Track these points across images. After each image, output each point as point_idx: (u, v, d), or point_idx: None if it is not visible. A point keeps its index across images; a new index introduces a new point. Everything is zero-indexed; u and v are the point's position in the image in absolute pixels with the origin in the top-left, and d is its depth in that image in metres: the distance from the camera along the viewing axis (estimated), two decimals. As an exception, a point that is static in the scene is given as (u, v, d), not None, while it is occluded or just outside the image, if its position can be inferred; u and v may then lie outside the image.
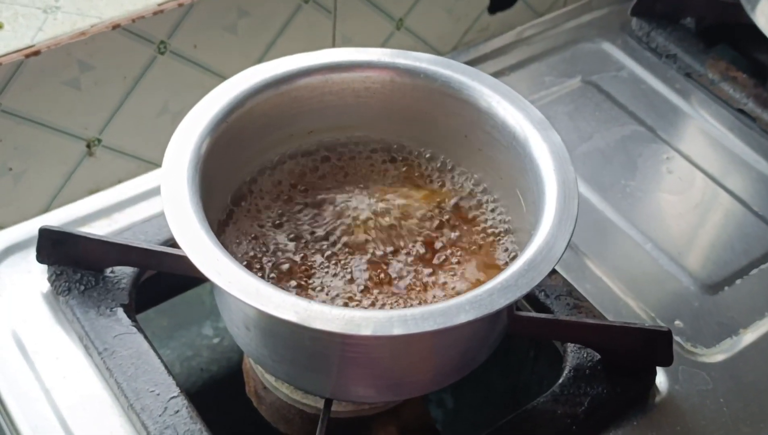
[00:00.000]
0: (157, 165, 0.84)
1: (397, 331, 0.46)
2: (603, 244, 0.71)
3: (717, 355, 0.65)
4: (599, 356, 0.61)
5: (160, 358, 0.59)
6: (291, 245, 0.58)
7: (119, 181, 0.85)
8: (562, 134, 0.79)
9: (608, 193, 0.74)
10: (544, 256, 0.50)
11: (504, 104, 0.58)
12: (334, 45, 0.93)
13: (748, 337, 0.66)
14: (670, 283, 0.69)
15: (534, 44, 0.88)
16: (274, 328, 0.51)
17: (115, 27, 0.76)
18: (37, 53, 0.73)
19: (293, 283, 0.55)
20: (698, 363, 0.64)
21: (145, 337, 0.60)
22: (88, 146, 0.81)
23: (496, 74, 0.84)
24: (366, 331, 0.46)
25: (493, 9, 0.95)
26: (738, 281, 0.70)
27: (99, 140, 0.81)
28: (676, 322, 0.66)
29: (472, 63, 0.85)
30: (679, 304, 0.68)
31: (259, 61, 0.88)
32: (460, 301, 0.48)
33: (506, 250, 0.58)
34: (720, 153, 0.79)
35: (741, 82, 0.83)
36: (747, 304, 0.68)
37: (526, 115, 0.58)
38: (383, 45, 0.97)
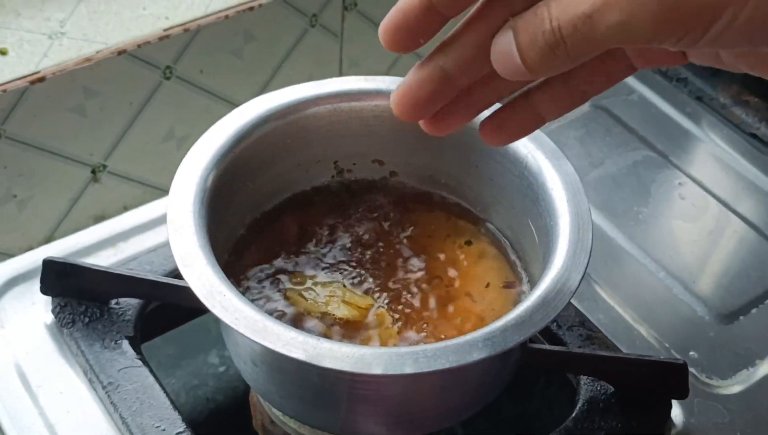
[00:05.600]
0: (163, 190, 0.84)
1: (408, 369, 0.45)
2: (616, 273, 0.70)
3: (733, 386, 0.64)
4: (613, 389, 0.60)
5: (165, 391, 0.58)
6: (299, 277, 0.57)
7: (125, 207, 0.84)
8: (573, 160, 0.78)
9: (621, 220, 0.74)
10: (559, 290, 0.49)
11: (515, 133, 0.57)
12: (341, 68, 0.93)
13: (765, 367, 0.65)
14: (685, 313, 0.68)
15: (543, 68, 0.87)
16: (282, 365, 0.50)
17: (121, 53, 0.76)
18: (42, 79, 0.73)
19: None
20: (714, 395, 0.63)
21: (151, 370, 0.59)
22: (94, 172, 0.80)
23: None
24: (377, 370, 0.45)
25: (501, 31, 0.95)
26: (754, 310, 0.68)
27: (104, 166, 0.81)
28: (691, 353, 0.65)
29: (480, 87, 0.85)
30: (694, 334, 0.67)
31: (266, 85, 0.87)
32: (474, 338, 0.46)
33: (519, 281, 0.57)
34: (733, 178, 0.78)
35: (753, 106, 0.82)
36: (763, 333, 0.67)
37: (538, 145, 0.57)
38: (390, 68, 0.97)
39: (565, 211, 0.53)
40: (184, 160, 0.54)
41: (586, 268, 0.50)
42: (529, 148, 0.56)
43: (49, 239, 0.81)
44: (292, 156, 0.60)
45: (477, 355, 0.46)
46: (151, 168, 0.85)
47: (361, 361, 0.45)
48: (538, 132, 0.57)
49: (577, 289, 0.49)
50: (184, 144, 0.85)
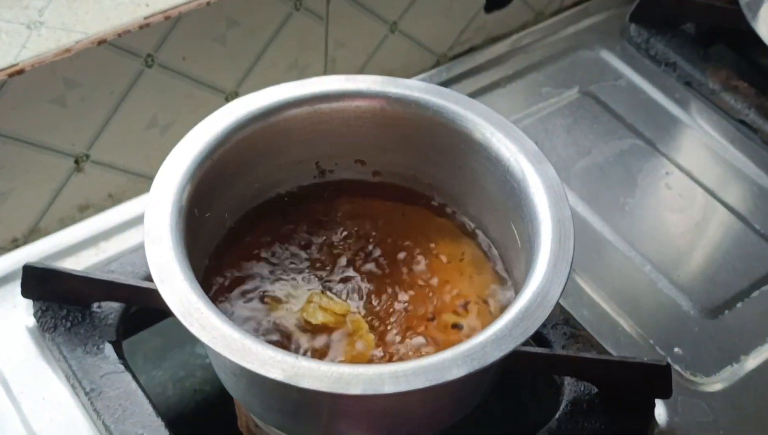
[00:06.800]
0: (148, 178, 0.83)
1: (388, 388, 0.45)
2: (601, 267, 0.69)
3: (717, 383, 0.64)
4: (597, 389, 0.60)
5: (148, 397, 0.58)
6: (278, 283, 0.57)
7: (110, 195, 0.83)
8: (560, 149, 0.78)
9: (607, 212, 0.73)
10: (539, 304, 0.49)
11: (498, 136, 0.56)
12: (326, 51, 0.92)
13: (750, 364, 0.65)
14: (670, 308, 0.67)
15: (531, 52, 0.86)
16: (262, 379, 0.50)
17: (101, 42, 0.75)
18: (21, 72, 0.72)
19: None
20: (698, 393, 0.63)
21: (134, 376, 0.59)
22: (77, 162, 0.80)
23: (493, 85, 0.82)
24: (355, 390, 0.45)
25: (490, 7, 0.93)
26: (739, 304, 0.68)
27: (87, 156, 0.80)
28: (676, 350, 0.65)
29: (467, 73, 0.84)
30: (679, 329, 0.66)
31: (250, 70, 0.86)
32: (453, 355, 0.46)
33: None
34: (721, 167, 0.78)
35: (742, 92, 0.81)
36: (748, 328, 0.67)
37: (521, 148, 0.56)
38: (378, 48, 0.95)
39: (547, 218, 0.53)
40: (161, 168, 0.53)
41: (567, 280, 0.50)
42: (512, 151, 0.56)
43: (32, 230, 0.80)
44: (272, 158, 0.59)
45: (456, 373, 0.46)
46: (136, 156, 0.84)
47: (340, 380, 0.45)
48: (520, 133, 0.57)
49: (557, 301, 0.49)
50: (168, 131, 0.84)
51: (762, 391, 0.63)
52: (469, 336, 0.53)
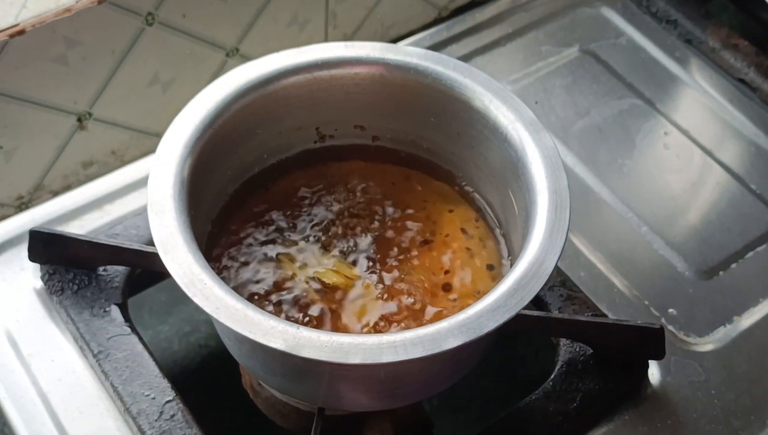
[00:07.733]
0: (150, 134, 0.84)
1: (386, 358, 0.46)
2: (598, 228, 0.70)
3: (710, 344, 0.65)
4: (591, 350, 0.62)
5: (154, 358, 0.60)
6: (283, 247, 0.58)
7: (113, 152, 0.84)
8: (559, 110, 0.78)
9: (605, 173, 0.73)
10: (534, 273, 0.50)
11: (496, 103, 0.57)
12: (327, 5, 0.91)
13: (742, 324, 0.66)
14: (665, 269, 0.68)
15: (531, 10, 0.85)
16: (263, 347, 0.51)
17: (101, 1, 0.75)
18: (21, 32, 0.72)
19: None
20: (691, 353, 0.64)
21: (140, 338, 0.61)
22: (79, 120, 0.80)
23: (492, 44, 0.82)
24: (355, 359, 0.46)
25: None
26: (733, 265, 0.69)
27: (90, 114, 0.80)
28: (670, 310, 0.66)
29: (467, 32, 0.83)
30: (674, 290, 0.67)
31: (251, 26, 0.86)
32: (450, 325, 0.48)
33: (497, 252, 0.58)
34: (719, 127, 0.78)
35: (742, 50, 0.81)
36: (742, 289, 0.67)
37: (519, 116, 0.56)
38: (378, 2, 0.95)
39: (543, 188, 0.53)
40: (163, 139, 0.54)
41: (562, 250, 0.51)
42: (510, 120, 0.56)
43: (37, 187, 0.81)
44: (273, 125, 0.60)
45: (453, 343, 0.47)
46: (138, 113, 0.84)
47: (340, 350, 0.46)
48: (518, 101, 0.57)
49: (553, 271, 0.50)
50: (170, 88, 0.84)
51: (753, 351, 0.65)
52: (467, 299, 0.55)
